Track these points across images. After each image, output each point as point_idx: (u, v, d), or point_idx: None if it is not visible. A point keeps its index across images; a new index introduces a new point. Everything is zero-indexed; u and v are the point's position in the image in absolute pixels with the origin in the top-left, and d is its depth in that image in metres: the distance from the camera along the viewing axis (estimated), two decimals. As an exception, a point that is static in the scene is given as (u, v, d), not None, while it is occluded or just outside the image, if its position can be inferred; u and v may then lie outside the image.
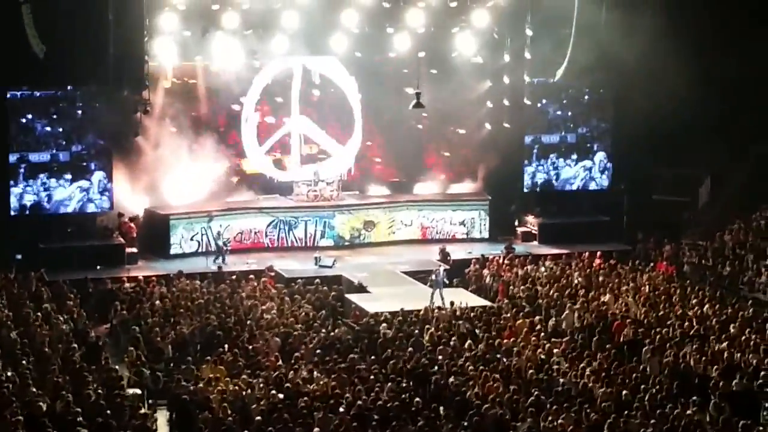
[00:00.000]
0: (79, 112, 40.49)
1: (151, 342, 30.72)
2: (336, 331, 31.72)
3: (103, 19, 38.39)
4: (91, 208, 40.73)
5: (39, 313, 30.85)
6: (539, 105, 45.28)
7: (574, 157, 45.88)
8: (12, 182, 39.84)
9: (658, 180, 46.38)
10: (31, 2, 37.75)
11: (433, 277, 36.37)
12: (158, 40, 40.74)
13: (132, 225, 41.40)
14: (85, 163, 40.62)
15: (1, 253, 37.92)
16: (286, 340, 30.74)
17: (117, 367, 28.25)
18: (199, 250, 41.54)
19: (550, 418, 24.75)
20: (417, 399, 25.89)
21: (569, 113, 45.77)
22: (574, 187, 45.99)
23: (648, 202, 46.05)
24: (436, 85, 43.99)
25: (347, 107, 45.16)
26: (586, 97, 45.90)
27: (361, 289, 37.33)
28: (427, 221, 44.97)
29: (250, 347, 29.98)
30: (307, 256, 41.33)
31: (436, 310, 33.76)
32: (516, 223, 45.66)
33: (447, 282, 36.59)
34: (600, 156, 46.01)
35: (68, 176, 40.37)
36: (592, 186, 46.11)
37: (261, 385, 27.03)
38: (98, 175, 40.65)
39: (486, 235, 45.00)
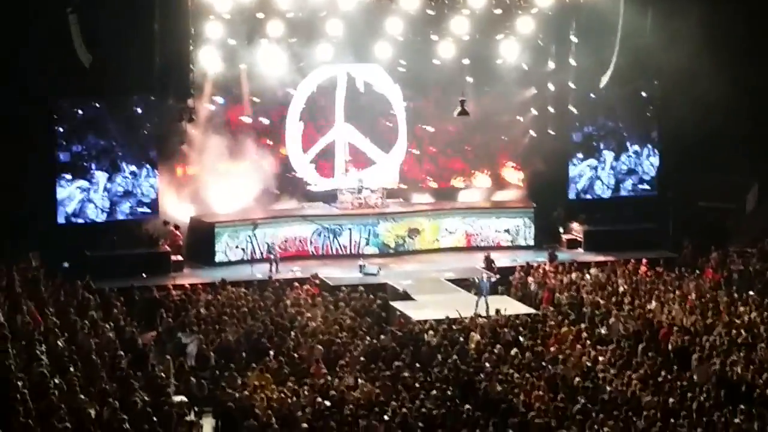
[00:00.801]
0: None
1: (198, 351, 30.88)
2: (380, 338, 31.72)
3: (149, 29, 38.64)
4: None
5: (86, 321, 31.02)
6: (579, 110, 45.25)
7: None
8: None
9: (704, 187, 46.06)
10: (78, 12, 38.05)
11: (477, 280, 36.34)
12: (203, 49, 40.97)
13: (178, 233, 41.59)
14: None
15: (49, 261, 38.20)
16: (331, 348, 30.76)
17: (163, 374, 28.36)
18: (244, 258, 41.69)
19: (596, 427, 24.64)
20: (466, 406, 25.84)
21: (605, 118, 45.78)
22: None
23: (694, 209, 45.76)
24: (480, 92, 44.01)
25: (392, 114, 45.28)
26: (629, 102, 45.75)
27: (405, 296, 37.32)
28: (471, 229, 44.85)
29: (296, 355, 30.05)
30: (352, 264, 41.35)
31: (481, 318, 33.72)
32: (561, 230, 45.48)
33: (491, 287, 36.52)
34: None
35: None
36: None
37: (306, 392, 27.09)
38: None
39: (531, 242, 44.85)
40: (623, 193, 46.16)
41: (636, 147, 46.04)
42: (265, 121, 44.25)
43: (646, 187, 46.31)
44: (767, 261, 40.57)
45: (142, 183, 41.18)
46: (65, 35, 37.84)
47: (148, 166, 41.21)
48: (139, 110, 40.93)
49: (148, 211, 41.42)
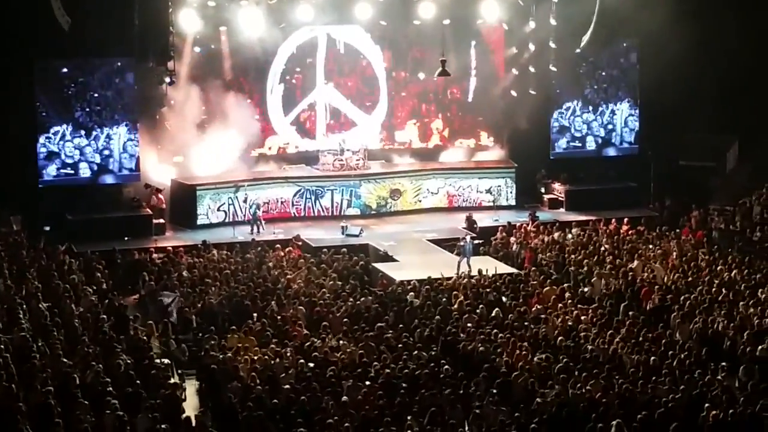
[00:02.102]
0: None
1: (179, 312, 30.90)
2: (363, 299, 31.75)
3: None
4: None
5: (67, 285, 31.00)
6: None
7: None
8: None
9: (685, 145, 46.11)
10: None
11: (462, 243, 36.36)
12: (183, 11, 40.76)
13: (161, 196, 41.46)
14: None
15: (30, 224, 38.09)
16: (314, 310, 30.79)
17: (146, 337, 28.37)
18: (226, 220, 41.65)
19: (578, 385, 24.75)
20: (446, 367, 25.92)
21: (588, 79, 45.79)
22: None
23: (675, 167, 45.81)
24: (461, 52, 43.89)
25: (372, 76, 45.14)
26: (610, 62, 45.74)
27: (387, 257, 37.35)
28: (453, 189, 44.84)
29: (278, 317, 30.07)
30: (334, 226, 41.33)
31: (463, 278, 33.77)
32: (542, 190, 45.50)
33: (474, 248, 36.54)
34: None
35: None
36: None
37: (289, 354, 27.13)
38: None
39: (513, 202, 44.87)
40: (607, 151, 46.26)
41: (615, 106, 46.03)
42: (246, 83, 44.07)
43: (627, 145, 46.36)
44: (747, 219, 40.70)
45: (120, 145, 40.99)
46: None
47: (129, 128, 41.02)
48: (122, 73, 40.72)
49: (130, 173, 41.31)
